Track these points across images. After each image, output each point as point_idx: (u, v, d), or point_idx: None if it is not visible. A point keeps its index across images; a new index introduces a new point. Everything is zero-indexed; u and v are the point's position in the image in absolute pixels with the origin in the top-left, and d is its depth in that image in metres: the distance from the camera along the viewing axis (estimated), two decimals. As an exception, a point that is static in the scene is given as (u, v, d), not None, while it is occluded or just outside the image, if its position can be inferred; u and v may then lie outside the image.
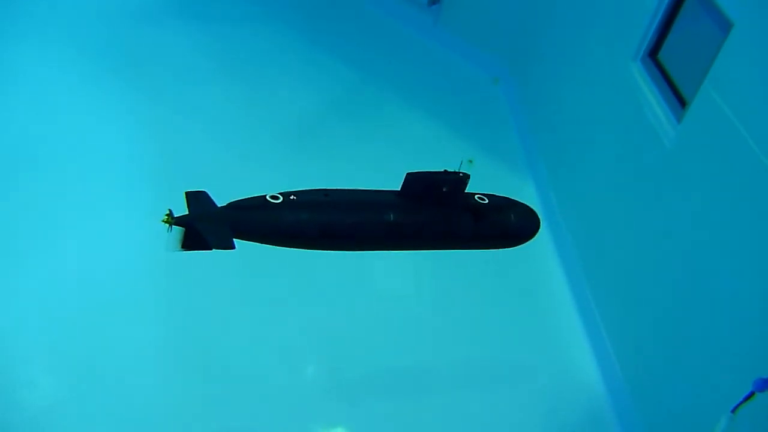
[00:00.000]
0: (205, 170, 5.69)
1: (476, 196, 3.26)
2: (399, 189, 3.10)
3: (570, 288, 5.68)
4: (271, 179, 5.75)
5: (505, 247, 3.44)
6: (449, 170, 3.05)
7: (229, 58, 7.12)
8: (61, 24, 6.81)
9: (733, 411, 3.54)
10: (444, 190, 3.06)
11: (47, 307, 4.44)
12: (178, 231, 2.58)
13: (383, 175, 6.08)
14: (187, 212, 2.65)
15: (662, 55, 5.18)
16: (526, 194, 6.53)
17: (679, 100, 4.75)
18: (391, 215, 2.98)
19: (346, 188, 3.05)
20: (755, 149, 3.75)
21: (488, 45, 7.80)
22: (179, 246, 2.60)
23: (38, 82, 6.15)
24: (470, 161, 6.71)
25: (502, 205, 3.35)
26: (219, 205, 2.76)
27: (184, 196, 2.72)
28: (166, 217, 2.56)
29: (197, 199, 2.73)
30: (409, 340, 4.88)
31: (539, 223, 3.45)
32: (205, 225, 2.59)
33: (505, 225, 3.31)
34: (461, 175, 3.07)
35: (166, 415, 4.14)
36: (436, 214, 3.09)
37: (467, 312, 5.22)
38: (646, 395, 4.60)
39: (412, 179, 3.04)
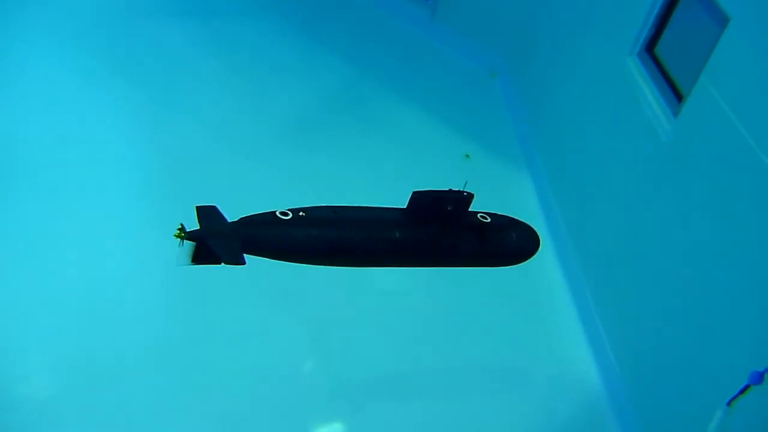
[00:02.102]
0: (202, 165, 5.68)
1: (479, 215, 3.32)
2: (405, 207, 3.16)
3: (567, 282, 5.68)
4: (268, 174, 5.79)
5: (504, 266, 3.49)
6: (454, 189, 3.09)
7: (226, 53, 7.09)
8: (57, 20, 6.76)
9: (729, 404, 3.56)
10: (448, 208, 3.10)
11: (45, 303, 4.42)
12: (189, 245, 2.62)
13: (380, 169, 6.18)
14: (197, 226, 2.69)
15: (659, 50, 5.19)
16: (523, 188, 6.57)
17: (675, 95, 4.75)
18: (397, 233, 3.04)
19: (353, 205, 3.13)
20: (751, 143, 3.76)
21: (485, 40, 7.79)
22: (189, 260, 2.64)
23: (36, 79, 6.10)
24: (467, 156, 6.73)
25: (503, 224, 3.41)
26: (227, 219, 2.80)
27: (195, 210, 2.75)
28: (178, 231, 2.59)
29: (208, 214, 2.76)
30: (408, 342, 4.86)
31: (539, 242, 3.53)
32: (216, 241, 2.64)
33: (506, 244, 3.38)
34: (465, 194, 3.12)
35: (166, 412, 4.12)
36: (440, 233, 3.15)
37: (465, 310, 5.20)
38: (643, 389, 4.61)
39: (417, 197, 3.09)
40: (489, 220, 3.32)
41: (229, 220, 2.82)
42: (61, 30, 6.65)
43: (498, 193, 6.28)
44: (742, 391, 3.47)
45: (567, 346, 5.25)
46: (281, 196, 5.48)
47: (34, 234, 4.79)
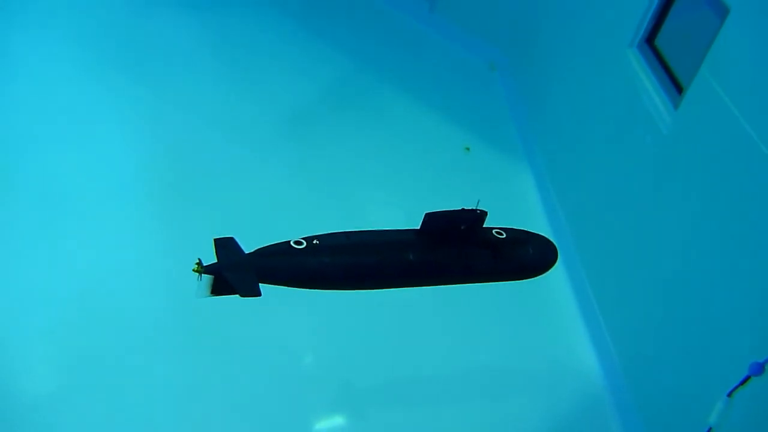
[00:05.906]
0: (202, 158, 5.70)
1: (494, 231, 3.28)
2: (418, 228, 3.15)
3: (568, 276, 5.66)
4: (269, 167, 5.80)
5: (522, 279, 3.46)
6: (467, 208, 3.08)
7: (225, 46, 7.08)
8: (55, 15, 6.73)
9: (729, 395, 3.56)
10: (462, 228, 3.10)
11: (47, 298, 4.43)
12: (207, 278, 2.73)
13: (379, 162, 6.17)
14: (215, 258, 2.78)
15: (659, 42, 5.18)
16: (523, 181, 6.56)
17: (675, 87, 4.75)
18: (411, 255, 3.04)
19: (366, 230, 3.13)
20: (752, 134, 3.76)
21: (485, 32, 7.77)
22: (208, 292, 2.75)
23: (33, 75, 6.07)
24: (467, 148, 6.72)
25: (519, 238, 3.38)
26: (243, 250, 2.87)
27: (213, 243, 2.84)
28: (196, 266, 2.70)
29: (225, 247, 2.84)
30: (408, 342, 4.83)
31: (557, 254, 3.49)
32: (233, 274, 2.73)
33: (523, 259, 3.34)
34: (478, 212, 3.10)
35: (164, 410, 4.12)
36: (455, 252, 3.14)
37: (465, 308, 5.14)
38: (644, 381, 4.62)
39: (430, 219, 3.09)
40: (504, 235, 3.28)
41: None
42: (59, 25, 6.64)
43: (498, 185, 6.30)
44: (743, 382, 3.47)
45: (568, 342, 5.23)
46: (282, 189, 5.58)
47: (36, 230, 4.79)
